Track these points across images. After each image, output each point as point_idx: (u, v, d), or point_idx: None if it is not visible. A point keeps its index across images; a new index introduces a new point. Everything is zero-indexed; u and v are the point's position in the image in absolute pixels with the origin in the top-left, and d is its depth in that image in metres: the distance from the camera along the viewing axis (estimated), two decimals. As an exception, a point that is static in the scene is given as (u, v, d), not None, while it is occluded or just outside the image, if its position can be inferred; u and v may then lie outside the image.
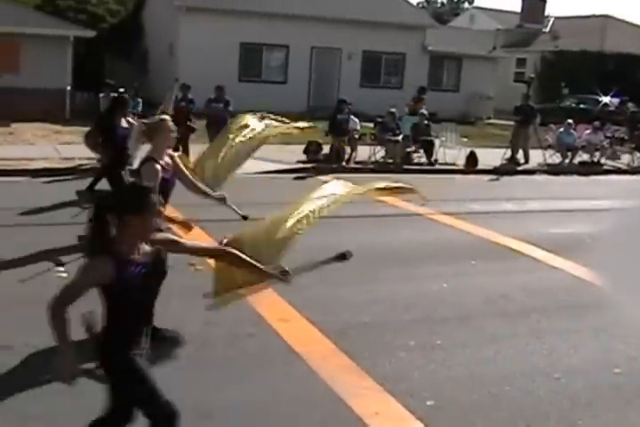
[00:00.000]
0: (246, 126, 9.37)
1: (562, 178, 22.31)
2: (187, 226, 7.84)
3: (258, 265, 5.32)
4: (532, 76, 38.58)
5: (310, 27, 33.67)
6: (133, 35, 36.74)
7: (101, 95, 19.16)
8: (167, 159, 7.43)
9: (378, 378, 6.80)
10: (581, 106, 37.24)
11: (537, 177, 22.32)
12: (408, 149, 22.00)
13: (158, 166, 7.23)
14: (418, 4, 74.37)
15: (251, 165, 19.79)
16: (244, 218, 8.04)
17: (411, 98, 24.66)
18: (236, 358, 7.24)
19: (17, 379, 6.55)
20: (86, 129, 21.77)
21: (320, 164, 20.59)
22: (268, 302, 8.83)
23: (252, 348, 7.55)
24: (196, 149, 19.29)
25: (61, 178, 16.94)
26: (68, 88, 28.06)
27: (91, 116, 20.32)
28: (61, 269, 9.54)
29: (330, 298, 9.08)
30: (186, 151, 18.98)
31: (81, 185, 16.38)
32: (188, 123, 18.83)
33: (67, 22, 30.30)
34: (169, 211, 8.09)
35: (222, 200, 8.09)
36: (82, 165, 18.54)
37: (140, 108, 19.25)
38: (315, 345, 7.66)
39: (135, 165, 10.38)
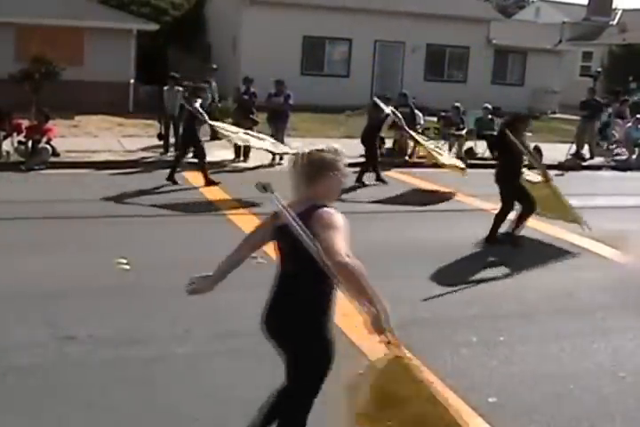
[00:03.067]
0: None
1: (629, 174, 21.91)
2: None
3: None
4: (599, 70, 37.99)
5: (373, 20, 33.52)
6: (197, 28, 36.90)
7: (165, 88, 19.25)
8: None
9: (439, 374, 6.71)
10: (649, 101, 36.59)
11: (603, 173, 21.94)
12: (469, 144, 21.83)
13: None
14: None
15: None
16: None
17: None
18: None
19: (80, 369, 6.60)
20: (150, 122, 22.10)
21: (383, 158, 20.46)
22: (328, 296, 8.80)
23: (312, 342, 7.51)
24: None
25: (128, 171, 17.11)
26: (132, 81, 28.32)
27: (154, 109, 20.51)
28: (124, 261, 9.67)
29: (389, 292, 8.97)
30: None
31: (145, 178, 16.56)
32: (251, 116, 18.86)
33: (130, 15, 30.57)
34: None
35: None
36: (145, 157, 18.70)
37: (208, 101, 19.38)
38: (375, 339, 7.59)
39: None
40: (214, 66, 20.52)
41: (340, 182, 4.56)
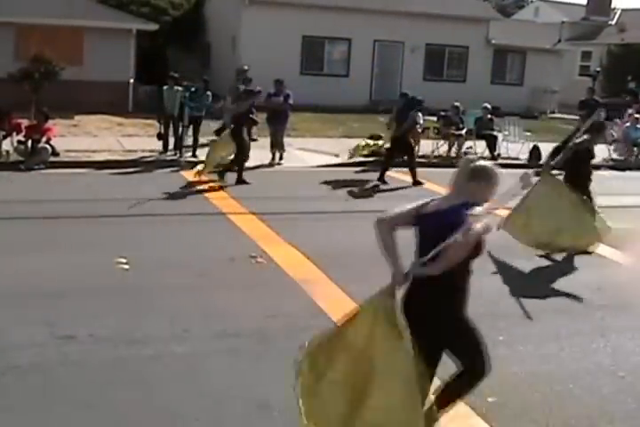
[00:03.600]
0: None
1: (628, 173, 21.92)
2: None
3: None
4: (598, 69, 38.01)
5: (373, 20, 33.51)
6: (196, 28, 36.89)
7: (165, 88, 19.23)
8: None
9: (439, 374, 6.72)
10: (648, 100, 36.56)
11: (602, 172, 21.90)
12: (468, 144, 21.86)
13: None
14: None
15: (311, 158, 19.99)
16: None
17: (472, 92, 24.46)
18: (296, 351, 7.20)
19: (79, 369, 6.60)
20: (149, 121, 22.09)
21: (381, 157, 20.45)
22: (327, 295, 8.80)
23: (311, 341, 7.51)
24: (258, 142, 19.45)
25: (127, 171, 17.10)
26: (131, 81, 28.31)
27: (153, 109, 20.49)
28: (124, 261, 9.68)
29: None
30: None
31: (144, 177, 16.56)
32: (250, 116, 18.83)
33: (130, 15, 30.55)
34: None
35: None
36: (144, 157, 18.69)
37: (209, 101, 19.40)
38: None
39: None
40: (246, 67, 20.57)
41: (487, 192, 5.36)
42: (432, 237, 5.17)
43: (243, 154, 16.24)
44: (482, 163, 5.40)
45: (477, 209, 5.18)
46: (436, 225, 5.18)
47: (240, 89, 19.60)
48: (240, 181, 15.97)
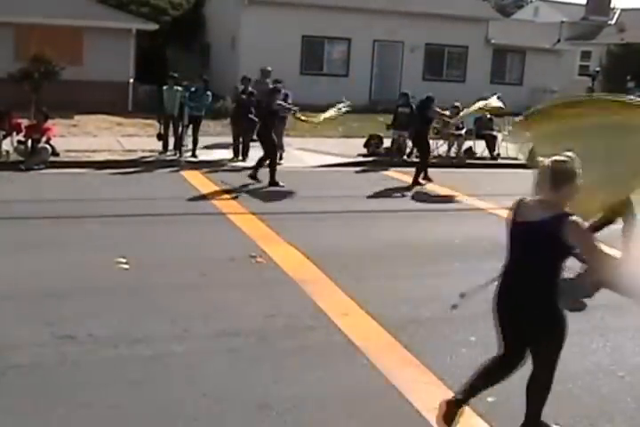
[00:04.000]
0: None
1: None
2: None
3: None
4: (598, 69, 37.97)
5: (372, 20, 33.49)
6: (196, 27, 36.89)
7: (165, 88, 19.23)
8: None
9: (438, 373, 6.73)
10: (647, 100, 36.48)
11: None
12: (468, 144, 21.86)
13: None
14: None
15: (311, 158, 20.00)
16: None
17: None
18: (296, 351, 7.22)
19: (80, 369, 6.60)
20: (149, 121, 22.09)
21: (381, 157, 20.49)
22: (327, 295, 8.81)
23: (311, 341, 7.52)
24: (257, 142, 19.42)
25: (127, 171, 17.10)
26: (131, 81, 28.31)
27: (153, 109, 20.50)
28: (123, 260, 9.68)
29: (390, 292, 9.03)
30: (246, 144, 19.07)
31: (144, 177, 16.57)
32: (249, 115, 18.85)
33: (129, 15, 30.53)
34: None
35: None
36: (144, 157, 18.70)
37: (209, 101, 19.43)
38: (374, 339, 7.61)
39: None
40: (269, 68, 20.71)
41: (573, 192, 5.34)
42: (529, 244, 5.40)
43: (272, 154, 16.38)
44: (557, 166, 5.29)
45: (574, 217, 5.19)
46: (532, 234, 5.35)
47: (239, 89, 19.65)
48: (273, 182, 16.01)
